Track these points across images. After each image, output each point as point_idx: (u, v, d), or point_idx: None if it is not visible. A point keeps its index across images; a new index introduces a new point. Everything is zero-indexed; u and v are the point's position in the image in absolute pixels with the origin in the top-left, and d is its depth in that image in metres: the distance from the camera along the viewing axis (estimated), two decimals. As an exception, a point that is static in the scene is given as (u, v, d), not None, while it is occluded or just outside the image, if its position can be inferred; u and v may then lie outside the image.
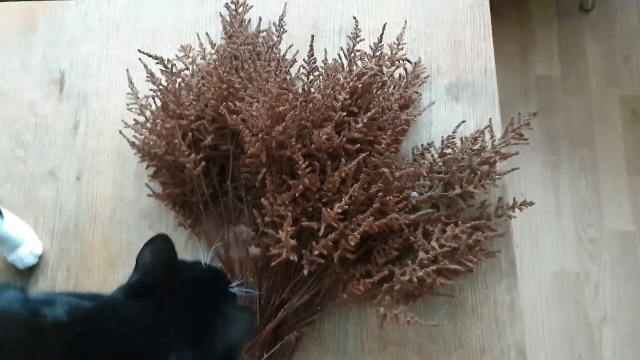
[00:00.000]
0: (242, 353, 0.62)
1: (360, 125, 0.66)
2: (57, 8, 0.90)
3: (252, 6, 0.85)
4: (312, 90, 0.67)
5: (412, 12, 0.85)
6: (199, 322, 0.52)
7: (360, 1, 0.86)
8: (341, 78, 0.69)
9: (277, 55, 0.77)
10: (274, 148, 0.66)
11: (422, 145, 0.77)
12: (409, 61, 0.78)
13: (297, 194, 0.65)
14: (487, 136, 0.74)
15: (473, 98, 0.80)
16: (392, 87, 0.75)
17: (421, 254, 0.66)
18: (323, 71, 0.72)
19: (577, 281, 1.47)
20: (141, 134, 0.74)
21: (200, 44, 0.82)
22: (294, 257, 0.63)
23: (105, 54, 0.87)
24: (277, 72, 0.69)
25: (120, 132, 0.76)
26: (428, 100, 0.81)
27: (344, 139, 0.66)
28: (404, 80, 0.77)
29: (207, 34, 0.83)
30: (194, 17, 0.87)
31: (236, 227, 0.69)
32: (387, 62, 0.75)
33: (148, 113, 0.74)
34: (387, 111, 0.70)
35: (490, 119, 0.76)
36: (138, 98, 0.76)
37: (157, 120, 0.72)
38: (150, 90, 0.73)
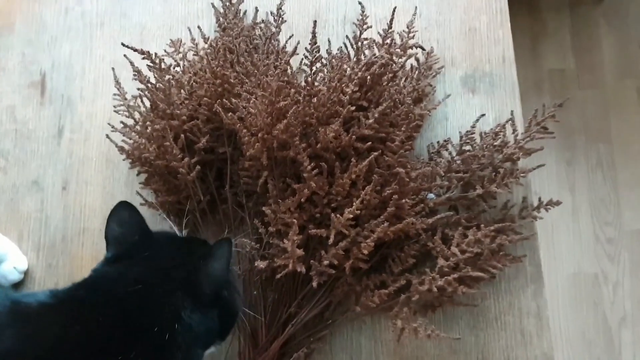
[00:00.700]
0: (237, 284, 0.62)
1: (371, 121, 0.62)
2: (35, 4, 0.86)
3: (247, -4, 0.81)
4: (316, 82, 0.62)
5: (421, -3, 0.81)
6: (185, 270, 0.54)
7: (365, -12, 0.82)
8: (348, 69, 0.63)
9: (276, 46, 0.72)
10: (275, 149, 0.62)
11: (437, 142, 0.73)
12: (422, 48, 0.73)
13: (303, 199, 0.61)
14: (509, 130, 0.70)
15: (491, 89, 0.76)
16: (403, 79, 0.71)
17: (441, 261, 0.62)
18: (327, 62, 0.67)
19: (595, 282, 1.47)
20: (130, 138, 0.70)
21: (192, 39, 0.78)
22: (301, 269, 0.60)
23: (89, 53, 0.83)
24: (277, 64, 0.64)
25: (107, 136, 0.72)
26: (442, 93, 0.77)
27: (354, 136, 0.62)
28: (416, 72, 0.73)
29: (199, 27, 0.79)
30: (184, 11, 0.83)
31: (237, 241, 0.64)
32: (398, 50, 0.69)
33: (137, 115, 0.70)
34: (400, 105, 0.66)
35: (512, 111, 0.71)
36: (126, 99, 0.72)
37: (147, 122, 0.68)
38: (138, 89, 0.69)
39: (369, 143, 0.62)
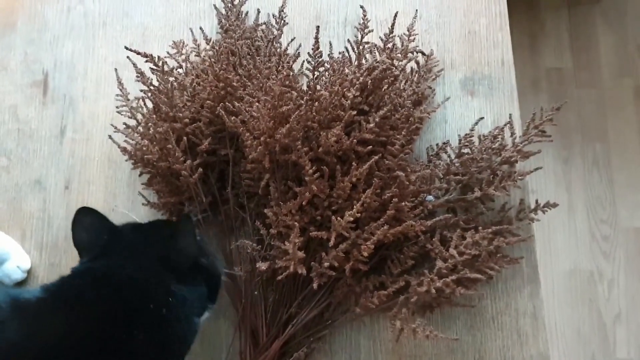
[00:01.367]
0: (212, 250, 0.65)
1: (372, 125, 0.62)
2: (37, 3, 0.86)
3: (249, -3, 0.80)
4: (318, 87, 0.62)
5: (422, 0, 0.80)
6: (157, 251, 0.57)
7: (366, -10, 0.82)
8: (349, 73, 0.63)
9: (278, 49, 0.72)
10: (277, 152, 0.62)
11: (437, 144, 0.72)
12: (423, 53, 0.73)
13: (304, 202, 0.61)
14: (507, 133, 0.69)
15: (490, 92, 0.76)
16: (403, 82, 0.70)
17: (439, 263, 0.63)
18: (329, 66, 0.67)
19: (590, 279, 1.46)
20: (133, 139, 0.70)
21: (194, 40, 0.77)
22: (302, 271, 0.60)
23: (92, 53, 0.83)
24: (279, 68, 0.64)
25: (110, 137, 0.72)
26: (442, 95, 0.76)
27: (355, 140, 0.62)
28: (416, 75, 0.73)
29: (201, 28, 0.79)
30: (186, 11, 0.83)
31: (239, 242, 0.64)
32: (399, 55, 0.69)
33: (139, 116, 0.70)
34: (400, 108, 0.65)
35: (510, 115, 0.71)
36: (128, 100, 0.72)
37: (149, 124, 0.67)
38: (141, 91, 0.68)
39: (370, 147, 0.62)
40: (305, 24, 0.80)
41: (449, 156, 0.71)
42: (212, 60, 0.68)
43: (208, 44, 0.75)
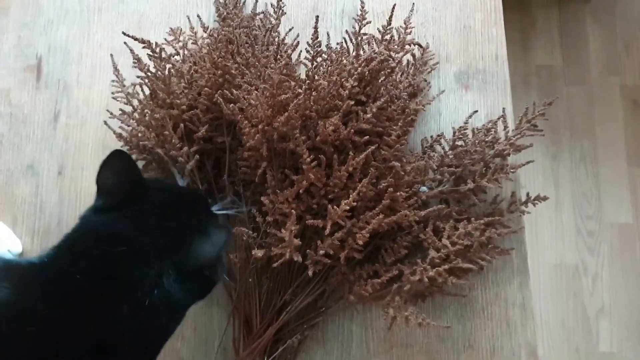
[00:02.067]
0: (221, 273, 0.60)
1: (369, 115, 0.62)
2: None
3: (247, -14, 0.80)
4: (317, 77, 0.62)
5: (418, -7, 0.81)
6: (172, 236, 0.52)
7: (363, -18, 0.81)
8: (348, 63, 0.64)
9: (277, 38, 0.72)
10: (275, 140, 0.61)
11: (431, 136, 0.73)
12: (420, 45, 0.73)
13: (301, 190, 0.61)
14: (500, 127, 0.70)
15: (484, 86, 0.77)
16: (400, 74, 0.71)
17: (432, 253, 0.63)
18: (327, 56, 0.67)
19: (575, 273, 1.48)
20: (128, 125, 0.69)
21: (192, 27, 0.77)
22: (298, 258, 0.60)
23: (87, 38, 0.82)
24: (278, 57, 0.64)
25: (105, 122, 0.71)
26: (436, 88, 0.77)
27: (352, 130, 0.62)
28: (412, 67, 0.73)
29: (198, 16, 0.78)
30: None
31: (235, 228, 0.64)
32: (396, 47, 0.70)
33: (135, 102, 0.69)
34: (396, 100, 0.66)
35: (503, 108, 0.72)
36: (124, 86, 0.71)
37: (146, 110, 0.67)
38: (138, 77, 0.68)
39: (367, 137, 0.62)
40: (303, 14, 0.80)
41: (443, 148, 0.71)
42: (210, 47, 0.68)
43: (206, 32, 0.75)
